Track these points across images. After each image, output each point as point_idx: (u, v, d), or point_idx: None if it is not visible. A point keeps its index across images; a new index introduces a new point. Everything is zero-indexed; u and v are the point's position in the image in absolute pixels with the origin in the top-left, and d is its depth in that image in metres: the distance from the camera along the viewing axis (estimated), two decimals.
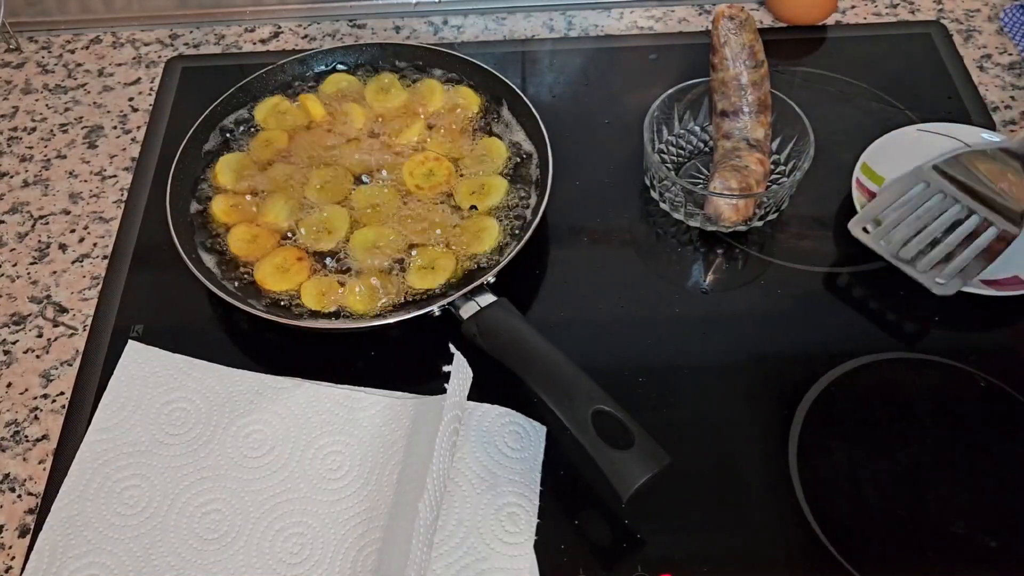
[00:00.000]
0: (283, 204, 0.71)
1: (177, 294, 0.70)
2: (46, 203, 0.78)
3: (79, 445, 0.61)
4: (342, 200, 0.72)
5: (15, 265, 0.74)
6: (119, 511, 0.58)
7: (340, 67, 0.82)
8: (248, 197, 0.73)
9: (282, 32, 0.93)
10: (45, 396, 0.66)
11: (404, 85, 0.80)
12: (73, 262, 0.74)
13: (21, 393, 0.66)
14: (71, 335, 0.69)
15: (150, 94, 0.87)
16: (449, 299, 0.63)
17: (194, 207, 0.72)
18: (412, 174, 0.73)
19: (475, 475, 0.59)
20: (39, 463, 0.63)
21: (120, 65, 0.90)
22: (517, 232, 0.70)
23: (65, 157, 0.82)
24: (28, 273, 0.73)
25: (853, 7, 0.91)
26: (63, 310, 0.71)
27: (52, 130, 0.84)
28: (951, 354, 0.65)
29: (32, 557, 0.56)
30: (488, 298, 0.63)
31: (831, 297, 0.69)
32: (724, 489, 0.59)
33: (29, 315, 0.71)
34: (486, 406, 0.61)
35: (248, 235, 0.70)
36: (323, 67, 0.82)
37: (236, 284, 0.68)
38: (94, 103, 0.87)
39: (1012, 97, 0.82)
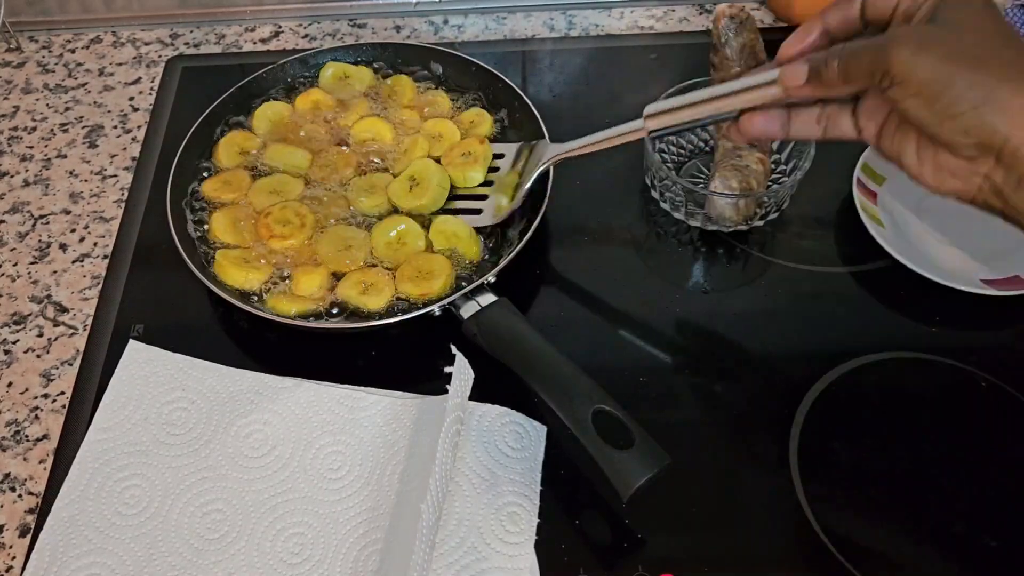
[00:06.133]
0: (266, 194, 0.72)
1: (178, 294, 0.70)
2: (46, 203, 0.78)
3: (80, 445, 0.61)
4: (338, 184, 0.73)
5: (15, 265, 0.74)
6: (120, 511, 0.58)
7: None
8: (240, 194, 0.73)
9: (282, 32, 0.93)
10: (46, 396, 0.66)
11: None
12: (73, 262, 0.74)
13: (22, 393, 0.66)
14: (71, 335, 0.69)
15: (150, 93, 0.87)
16: (450, 299, 0.63)
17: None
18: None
19: (475, 475, 0.59)
20: (40, 463, 0.63)
21: (120, 65, 0.90)
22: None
23: (65, 157, 0.82)
24: (28, 273, 0.73)
25: None
26: (63, 310, 0.71)
27: (52, 129, 0.85)
28: (951, 354, 0.65)
29: (33, 557, 0.57)
30: (488, 298, 0.63)
31: (831, 297, 0.69)
32: (724, 489, 0.59)
33: (29, 315, 0.71)
34: (486, 406, 0.61)
35: (230, 219, 0.70)
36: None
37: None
38: (94, 102, 0.87)
39: None
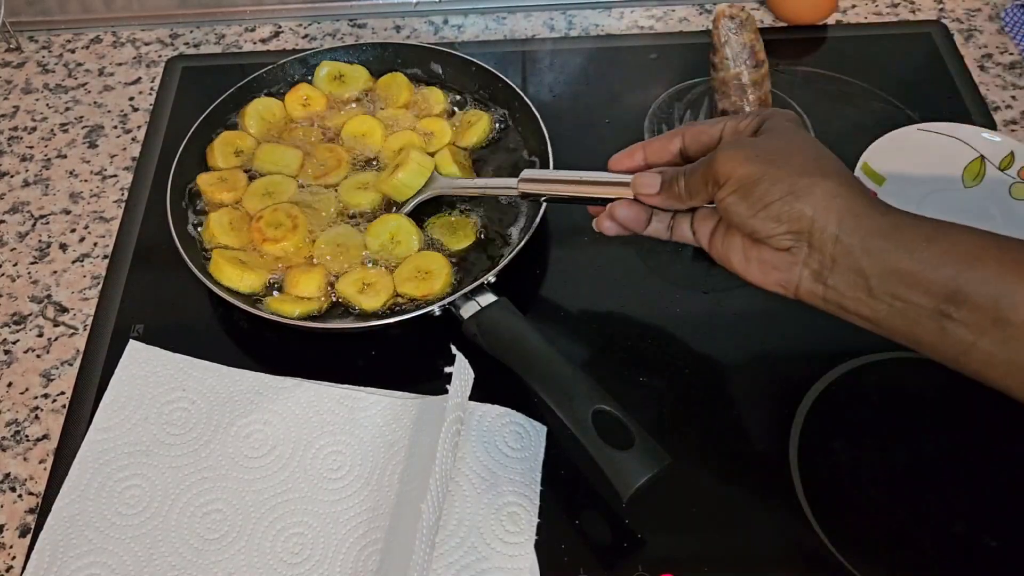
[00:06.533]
0: (259, 196, 0.72)
1: (178, 294, 0.70)
2: (46, 203, 0.78)
3: (80, 445, 0.61)
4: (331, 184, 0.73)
5: (15, 265, 0.74)
6: (120, 511, 0.58)
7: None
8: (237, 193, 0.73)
9: (282, 32, 0.93)
10: (46, 396, 0.66)
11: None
12: (73, 262, 0.74)
13: (22, 393, 0.66)
14: (72, 335, 0.69)
15: (150, 94, 0.87)
16: (450, 298, 0.63)
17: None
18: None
19: (475, 475, 0.59)
20: (40, 463, 0.63)
21: (120, 65, 0.90)
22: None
23: (65, 157, 0.82)
24: (28, 273, 0.73)
25: (854, 6, 0.91)
26: (63, 310, 0.71)
27: (52, 129, 0.85)
28: None
29: (33, 557, 0.57)
30: (488, 298, 0.63)
31: None
32: (724, 489, 0.59)
33: (29, 315, 0.71)
34: (486, 406, 0.61)
35: (227, 220, 0.70)
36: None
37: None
38: (94, 102, 0.87)
39: (1013, 97, 0.82)
